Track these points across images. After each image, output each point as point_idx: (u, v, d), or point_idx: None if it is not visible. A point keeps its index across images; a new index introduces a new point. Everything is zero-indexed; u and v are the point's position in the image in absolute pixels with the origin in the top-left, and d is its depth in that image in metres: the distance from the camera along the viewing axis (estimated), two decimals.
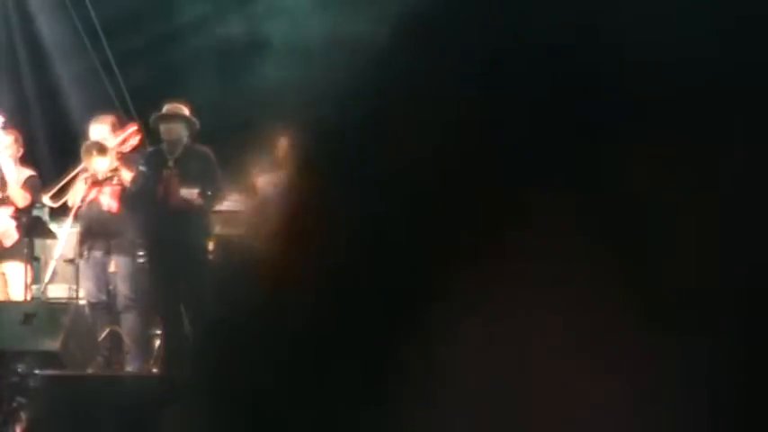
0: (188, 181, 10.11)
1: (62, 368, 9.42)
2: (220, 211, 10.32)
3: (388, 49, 0.44)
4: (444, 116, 0.39)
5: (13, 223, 11.04)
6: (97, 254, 10.53)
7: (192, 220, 10.06)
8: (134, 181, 10.36)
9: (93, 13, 13.26)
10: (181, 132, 10.32)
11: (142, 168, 10.34)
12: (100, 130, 10.68)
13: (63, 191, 10.95)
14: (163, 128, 10.38)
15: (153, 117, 10.48)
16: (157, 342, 10.94)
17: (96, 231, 10.52)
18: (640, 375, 0.35)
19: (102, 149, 10.49)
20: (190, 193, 10.07)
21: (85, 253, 10.57)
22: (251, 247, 0.44)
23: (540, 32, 0.37)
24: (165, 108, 10.46)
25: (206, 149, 10.33)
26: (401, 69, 0.42)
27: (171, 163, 10.24)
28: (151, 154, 10.49)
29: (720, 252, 0.38)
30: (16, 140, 11.49)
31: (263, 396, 0.40)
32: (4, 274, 11.23)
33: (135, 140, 10.83)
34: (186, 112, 10.45)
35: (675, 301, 0.37)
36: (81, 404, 8.37)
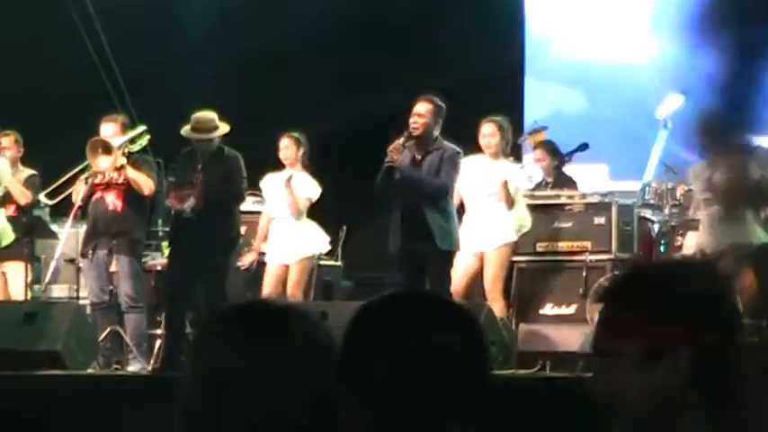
0: (212, 183, 10.23)
1: (62, 368, 9.38)
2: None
3: None
4: None
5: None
6: (101, 253, 10.50)
7: (213, 220, 10.12)
8: (168, 186, 10.50)
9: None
10: (210, 141, 10.45)
11: (172, 176, 10.46)
12: (110, 128, 10.65)
13: (61, 189, 10.89)
14: (193, 137, 10.47)
15: (183, 129, 10.49)
16: (158, 342, 10.90)
17: (101, 230, 10.49)
18: None
19: (107, 148, 10.44)
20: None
21: (90, 252, 10.53)
22: None
23: None
24: (195, 119, 10.48)
25: (235, 153, 10.52)
26: None
27: (200, 166, 10.33)
28: (182, 158, 10.58)
29: None
30: (16, 141, 11.47)
31: None
32: (4, 273, 11.20)
33: (144, 141, 10.81)
34: (216, 120, 10.51)
35: None
36: (81, 404, 8.34)
